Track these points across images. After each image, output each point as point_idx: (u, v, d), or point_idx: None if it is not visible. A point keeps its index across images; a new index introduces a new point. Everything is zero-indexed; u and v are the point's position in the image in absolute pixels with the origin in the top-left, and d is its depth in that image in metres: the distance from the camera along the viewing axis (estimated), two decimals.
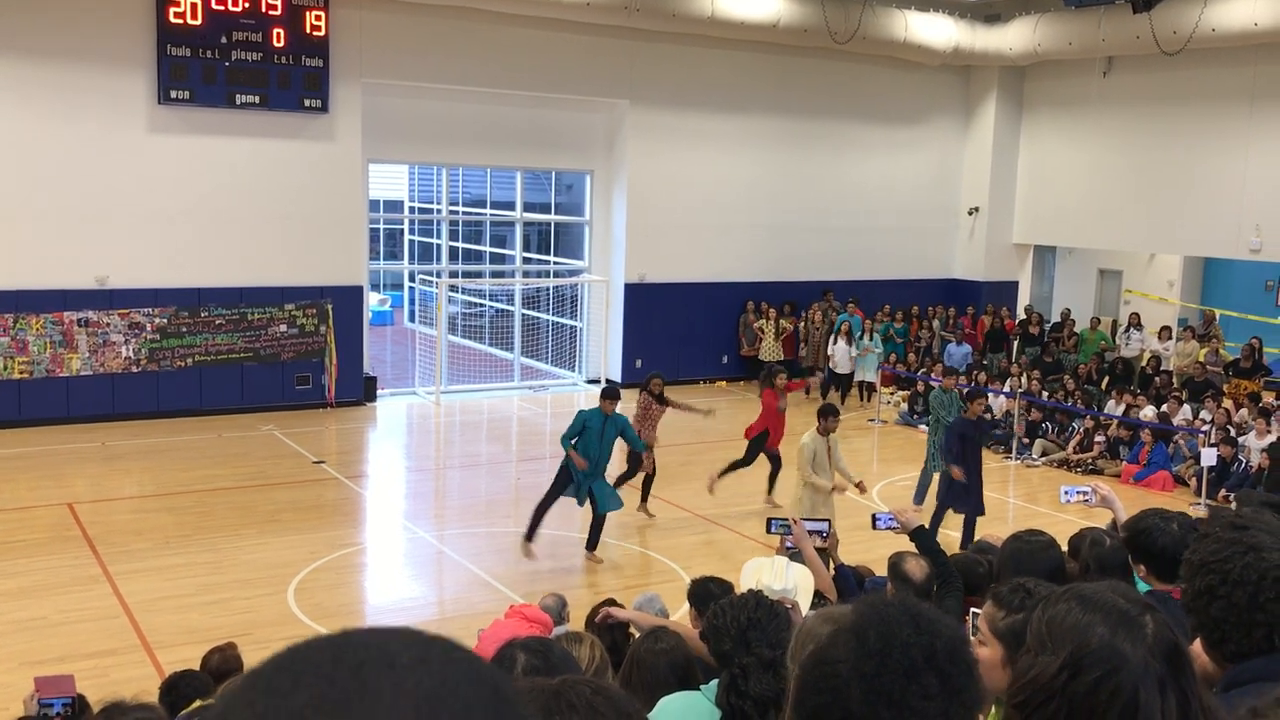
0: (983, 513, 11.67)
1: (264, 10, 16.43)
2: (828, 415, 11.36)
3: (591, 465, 10.81)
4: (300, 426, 16.55)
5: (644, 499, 12.59)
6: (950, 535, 11.46)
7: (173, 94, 16.09)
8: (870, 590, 5.50)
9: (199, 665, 5.95)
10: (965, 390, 13.26)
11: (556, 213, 22.57)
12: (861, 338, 19.67)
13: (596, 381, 20.50)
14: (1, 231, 15.42)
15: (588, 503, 11.05)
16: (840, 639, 1.64)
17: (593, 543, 11.19)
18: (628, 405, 12.17)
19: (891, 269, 22.94)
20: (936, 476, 12.71)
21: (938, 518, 11.62)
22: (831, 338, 19.86)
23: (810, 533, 5.47)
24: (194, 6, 15.99)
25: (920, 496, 13.35)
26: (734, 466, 13.03)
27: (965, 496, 11.66)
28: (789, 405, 13.33)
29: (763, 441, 12.97)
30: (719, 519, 12.74)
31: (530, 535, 10.87)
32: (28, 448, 14.78)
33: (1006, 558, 4.26)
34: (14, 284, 15.59)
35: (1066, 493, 6.33)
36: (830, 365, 19.83)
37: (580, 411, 11.07)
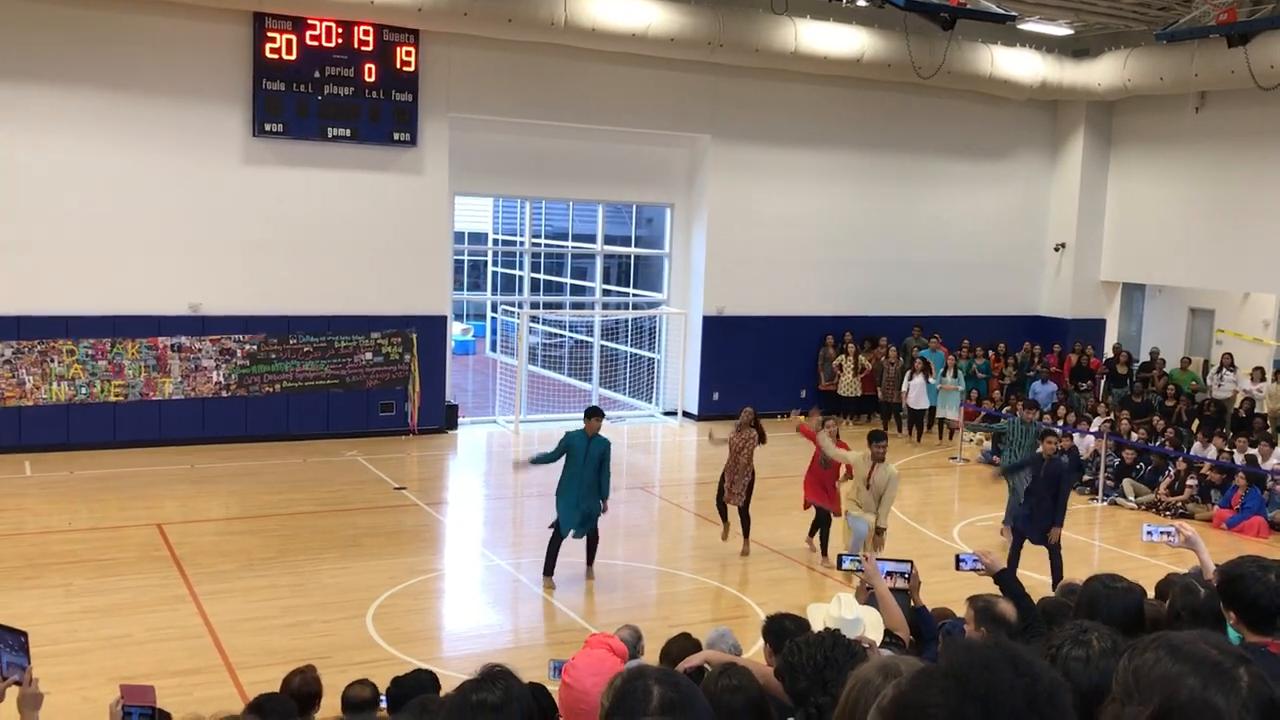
0: (1034, 542, 11.60)
1: (356, 46, 16.86)
2: (876, 440, 11.54)
3: (582, 485, 11.05)
4: (383, 453, 16.80)
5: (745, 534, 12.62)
6: (1036, 578, 11.23)
7: (267, 127, 16.56)
8: (951, 633, 5.40)
9: (279, 687, 6.04)
10: (1041, 429, 12.96)
11: (637, 245, 22.69)
12: (944, 374, 19.43)
13: (673, 413, 20.52)
14: (100, 258, 15.96)
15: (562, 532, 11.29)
16: (934, 683, 1.58)
17: (591, 559, 11.46)
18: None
19: (975, 305, 22.64)
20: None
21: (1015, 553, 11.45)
22: (908, 373, 19.70)
23: (891, 573, 5.37)
24: (289, 42, 16.47)
25: (1010, 519, 13.10)
26: (817, 529, 12.68)
27: (1026, 522, 11.60)
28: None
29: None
30: (796, 554, 12.62)
31: (549, 571, 11.21)
32: (120, 469, 15.20)
33: (1082, 601, 4.17)
34: (112, 309, 16.11)
35: (1150, 532, 6.17)
36: (905, 402, 19.73)
37: (567, 433, 11.32)
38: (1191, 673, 1.71)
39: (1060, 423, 17.76)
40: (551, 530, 11.26)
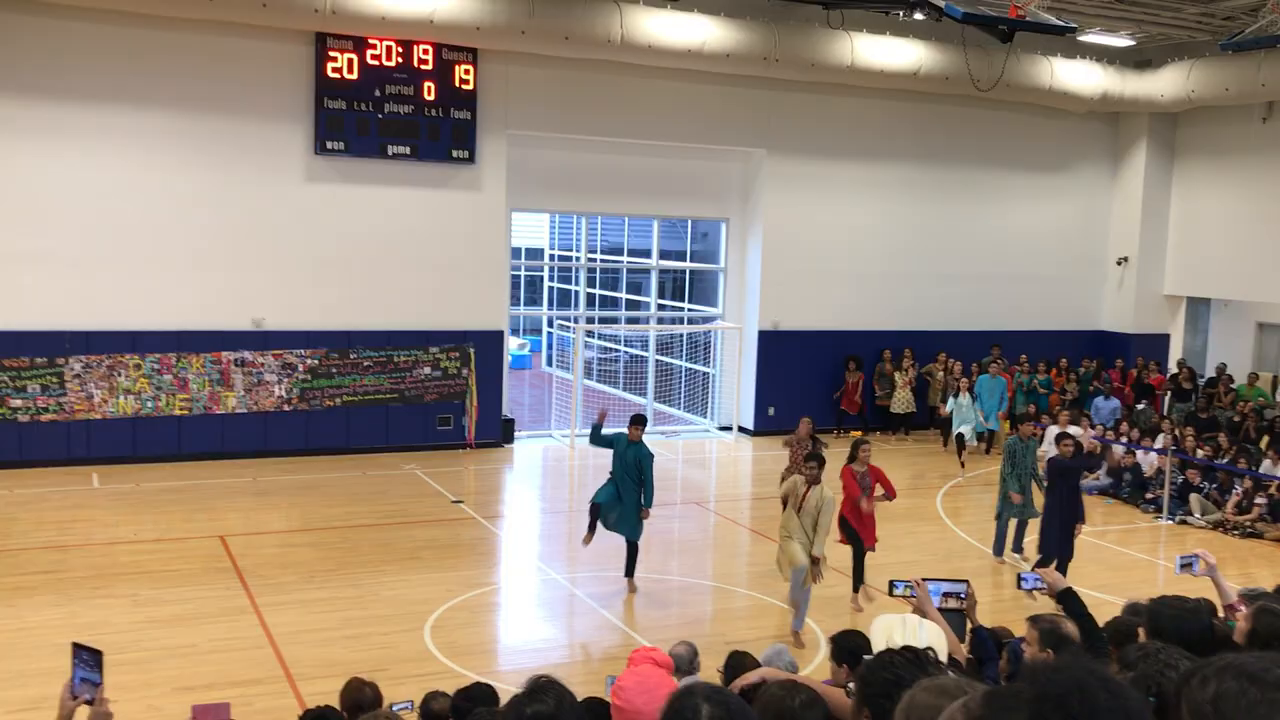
0: (1069, 557, 11.47)
1: (415, 65, 17.08)
2: (809, 461, 10.63)
3: (622, 484, 11.32)
4: (441, 466, 16.94)
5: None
6: (1099, 597, 11.05)
7: (328, 145, 16.82)
8: (1017, 651, 5.32)
9: (339, 697, 6.10)
10: (1042, 432, 12.90)
11: (692, 260, 22.71)
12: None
13: (728, 428, 20.47)
14: (166, 275, 16.29)
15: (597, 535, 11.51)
16: (1021, 706, 1.55)
17: (630, 570, 11.58)
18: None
19: (1035, 320, 22.36)
20: (1034, 524, 12.52)
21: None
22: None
23: (947, 594, 5.30)
24: (350, 61, 16.73)
25: (999, 548, 12.92)
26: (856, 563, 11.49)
27: (1049, 537, 11.48)
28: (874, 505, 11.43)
29: (848, 530, 11.25)
30: (850, 570, 12.51)
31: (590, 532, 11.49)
32: (184, 481, 15.48)
33: (1148, 622, 4.11)
34: (177, 324, 16.43)
35: (1183, 563, 6.11)
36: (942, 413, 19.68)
37: (618, 433, 11.57)
38: None
39: (1124, 439, 17.48)
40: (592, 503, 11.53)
